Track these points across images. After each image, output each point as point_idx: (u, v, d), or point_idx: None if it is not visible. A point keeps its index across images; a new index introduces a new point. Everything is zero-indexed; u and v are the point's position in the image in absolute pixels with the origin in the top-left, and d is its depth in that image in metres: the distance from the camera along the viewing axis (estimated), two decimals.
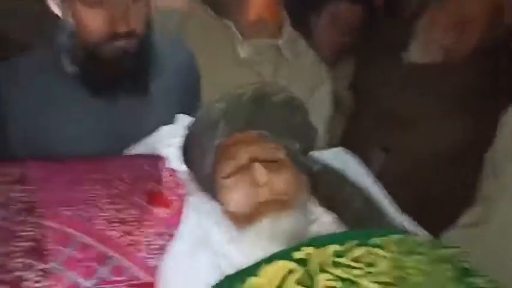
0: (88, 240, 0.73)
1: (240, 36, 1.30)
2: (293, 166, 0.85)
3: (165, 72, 1.06)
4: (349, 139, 1.38)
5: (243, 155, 0.83)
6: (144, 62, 0.99)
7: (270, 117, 0.86)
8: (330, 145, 1.25)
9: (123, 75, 0.97)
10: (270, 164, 0.82)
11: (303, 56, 1.34)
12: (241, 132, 0.85)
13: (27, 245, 0.70)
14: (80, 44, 0.95)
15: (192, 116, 1.01)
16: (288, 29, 1.34)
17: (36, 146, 0.97)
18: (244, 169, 0.82)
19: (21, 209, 0.75)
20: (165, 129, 1.04)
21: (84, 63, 0.96)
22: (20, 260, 0.69)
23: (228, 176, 0.83)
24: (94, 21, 0.91)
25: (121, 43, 0.92)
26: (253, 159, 0.82)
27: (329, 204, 0.89)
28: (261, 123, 0.85)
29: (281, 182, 0.81)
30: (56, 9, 0.96)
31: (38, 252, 0.70)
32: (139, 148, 1.03)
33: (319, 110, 1.28)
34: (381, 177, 1.02)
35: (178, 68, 1.10)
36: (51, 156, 0.94)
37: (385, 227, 0.87)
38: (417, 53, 1.32)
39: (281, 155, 0.85)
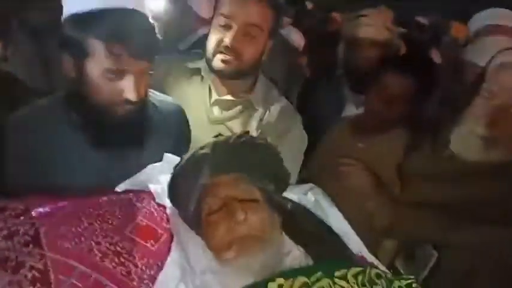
0: (86, 270, 0.82)
1: (213, 93, 1.38)
2: (268, 205, 0.97)
3: (158, 124, 1.19)
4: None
5: (224, 195, 0.95)
6: (141, 120, 1.12)
7: (248, 161, 0.99)
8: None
9: (123, 130, 1.09)
10: (247, 203, 0.94)
11: (274, 104, 1.41)
12: (223, 174, 0.97)
13: (33, 274, 0.79)
14: (89, 103, 1.07)
15: (179, 156, 1.13)
16: (261, 82, 1.41)
17: (36, 180, 1.07)
18: (224, 207, 0.94)
19: (27, 241, 0.84)
20: (153, 167, 1.15)
21: (90, 119, 1.09)
22: None
23: (210, 214, 0.94)
24: (111, 91, 1.04)
25: (129, 107, 1.06)
26: (233, 199, 0.94)
27: (298, 238, 1.01)
28: (240, 167, 0.98)
29: (258, 219, 0.93)
30: (71, 72, 1.06)
31: (43, 281, 0.79)
32: (129, 183, 1.13)
33: (293, 151, 1.39)
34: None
35: (168, 121, 1.23)
36: (50, 189, 1.04)
37: (348, 258, 0.99)
38: (457, 145, 1.24)
39: (258, 195, 0.97)
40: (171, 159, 1.15)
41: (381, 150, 1.43)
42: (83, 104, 1.08)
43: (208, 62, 1.33)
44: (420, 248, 1.30)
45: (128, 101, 1.06)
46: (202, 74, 1.39)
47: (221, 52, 1.29)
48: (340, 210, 1.13)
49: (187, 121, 1.31)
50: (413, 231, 1.31)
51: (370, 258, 1.08)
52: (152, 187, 1.09)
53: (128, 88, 1.04)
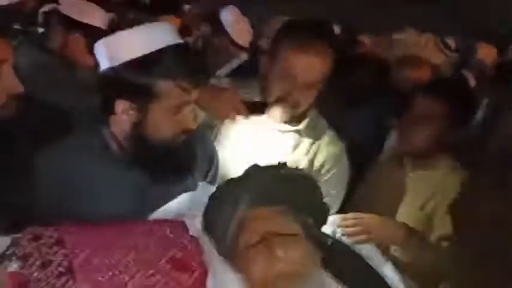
0: None
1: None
2: (308, 240, 0.93)
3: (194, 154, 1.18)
4: None
5: (263, 229, 0.91)
6: (189, 151, 1.12)
7: (288, 194, 0.95)
8: None
9: (172, 161, 1.09)
10: (287, 237, 0.90)
11: (323, 135, 1.41)
12: (262, 207, 0.93)
13: None
14: (142, 136, 1.06)
15: (212, 185, 1.10)
16: (311, 113, 1.40)
17: (66, 208, 1.06)
18: (263, 242, 0.90)
19: (61, 272, 0.82)
20: (186, 196, 1.12)
21: (140, 150, 1.08)
22: None
23: (248, 248, 0.90)
24: (173, 125, 1.05)
25: (183, 137, 1.07)
26: (273, 233, 0.90)
27: (338, 274, 0.96)
28: (280, 200, 0.94)
29: (297, 255, 0.89)
30: (131, 117, 1.06)
31: None
32: (162, 213, 1.10)
33: (340, 182, 1.37)
34: None
35: (204, 153, 1.23)
36: (82, 217, 1.02)
37: None
38: None
39: (297, 229, 0.93)
40: (205, 188, 1.12)
41: (432, 184, 1.37)
42: (140, 143, 1.08)
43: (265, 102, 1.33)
44: None
45: (186, 131, 1.06)
46: None
47: (280, 101, 1.28)
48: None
49: (214, 150, 1.31)
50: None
51: None
52: (186, 217, 1.06)
53: (188, 118, 1.05)
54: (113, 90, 1.05)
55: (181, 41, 1.07)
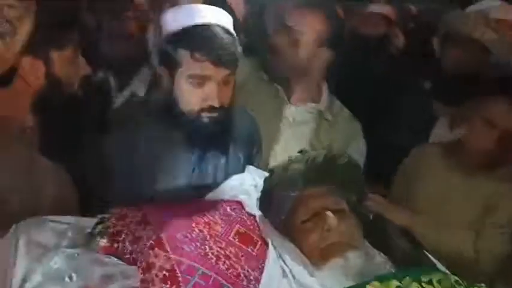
0: (206, 271, 0.94)
1: (287, 101, 1.55)
2: (353, 214, 1.09)
3: (236, 133, 1.31)
4: None
5: (315, 205, 1.06)
6: (226, 127, 1.24)
7: (336, 175, 1.11)
8: None
9: (211, 137, 1.22)
10: (336, 212, 1.05)
11: (339, 115, 1.57)
12: (314, 186, 1.09)
13: (163, 274, 0.91)
14: (179, 110, 1.19)
15: (256, 167, 1.25)
16: (326, 94, 1.58)
17: (133, 190, 1.20)
18: (317, 216, 1.05)
19: (152, 245, 0.96)
20: (236, 178, 1.27)
21: (181, 124, 1.21)
22: (158, 285, 0.90)
23: (305, 222, 1.06)
24: (195, 97, 1.18)
25: (214, 115, 1.18)
26: (325, 209, 1.05)
27: (379, 246, 1.12)
28: (329, 180, 1.10)
29: (346, 227, 1.05)
30: (166, 82, 1.20)
31: (173, 280, 0.90)
32: (217, 194, 1.24)
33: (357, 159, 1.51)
34: None
35: (245, 130, 1.35)
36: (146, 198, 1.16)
37: (427, 266, 1.09)
38: None
39: (345, 205, 1.08)
40: (252, 171, 1.27)
41: (484, 193, 1.27)
42: (175, 111, 1.21)
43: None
44: None
45: (211, 108, 1.18)
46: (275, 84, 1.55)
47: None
48: None
49: (259, 131, 1.43)
50: None
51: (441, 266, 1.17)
52: (240, 196, 1.20)
53: (210, 95, 1.17)
54: (159, 58, 1.25)
55: (223, 25, 1.20)
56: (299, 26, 1.47)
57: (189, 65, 1.16)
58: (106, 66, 1.68)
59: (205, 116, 1.18)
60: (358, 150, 1.53)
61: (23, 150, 1.13)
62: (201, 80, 1.16)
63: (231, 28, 1.23)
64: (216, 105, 1.17)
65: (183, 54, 1.16)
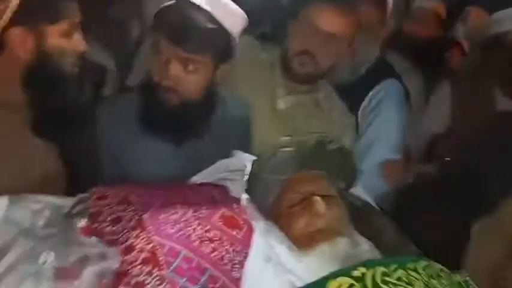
0: (189, 253, 0.91)
1: (281, 86, 1.50)
2: (341, 201, 1.06)
3: (224, 117, 1.28)
4: None
5: (305, 190, 1.04)
6: (199, 114, 1.23)
7: (326, 161, 1.08)
8: None
9: (179, 121, 1.21)
10: (325, 198, 1.03)
11: (335, 107, 1.54)
12: (303, 171, 1.06)
13: (145, 255, 0.88)
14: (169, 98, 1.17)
15: (245, 152, 1.22)
16: (323, 83, 1.54)
17: (120, 172, 1.16)
18: (305, 201, 1.03)
19: (133, 226, 0.93)
20: (224, 162, 1.24)
21: (152, 105, 1.20)
22: (138, 267, 0.86)
23: (292, 206, 1.03)
24: (158, 73, 1.17)
25: (182, 98, 1.18)
26: (313, 194, 1.03)
27: (366, 233, 1.10)
28: (319, 166, 1.07)
29: (334, 213, 1.03)
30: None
31: (154, 262, 0.87)
32: (202, 177, 1.21)
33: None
34: None
35: (234, 114, 1.32)
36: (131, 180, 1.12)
37: (412, 253, 1.08)
38: None
39: (334, 191, 1.06)
40: (240, 155, 1.24)
41: None
42: (148, 91, 1.21)
43: (284, 61, 1.43)
44: None
45: (166, 87, 1.16)
46: (273, 67, 1.49)
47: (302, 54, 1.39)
48: None
49: (250, 116, 1.40)
50: None
51: None
52: (226, 181, 1.17)
53: (168, 72, 1.15)
54: None
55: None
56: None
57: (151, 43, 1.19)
58: (105, 45, 1.62)
59: (170, 98, 1.17)
60: (351, 143, 1.52)
61: (11, 125, 1.07)
62: (159, 56, 1.16)
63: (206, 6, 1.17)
64: (169, 84, 1.16)
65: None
